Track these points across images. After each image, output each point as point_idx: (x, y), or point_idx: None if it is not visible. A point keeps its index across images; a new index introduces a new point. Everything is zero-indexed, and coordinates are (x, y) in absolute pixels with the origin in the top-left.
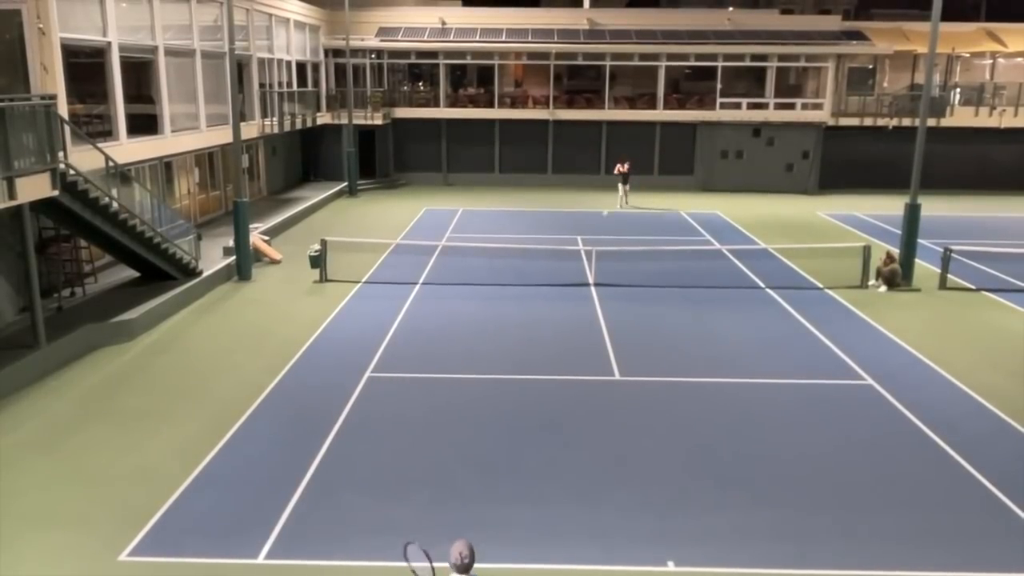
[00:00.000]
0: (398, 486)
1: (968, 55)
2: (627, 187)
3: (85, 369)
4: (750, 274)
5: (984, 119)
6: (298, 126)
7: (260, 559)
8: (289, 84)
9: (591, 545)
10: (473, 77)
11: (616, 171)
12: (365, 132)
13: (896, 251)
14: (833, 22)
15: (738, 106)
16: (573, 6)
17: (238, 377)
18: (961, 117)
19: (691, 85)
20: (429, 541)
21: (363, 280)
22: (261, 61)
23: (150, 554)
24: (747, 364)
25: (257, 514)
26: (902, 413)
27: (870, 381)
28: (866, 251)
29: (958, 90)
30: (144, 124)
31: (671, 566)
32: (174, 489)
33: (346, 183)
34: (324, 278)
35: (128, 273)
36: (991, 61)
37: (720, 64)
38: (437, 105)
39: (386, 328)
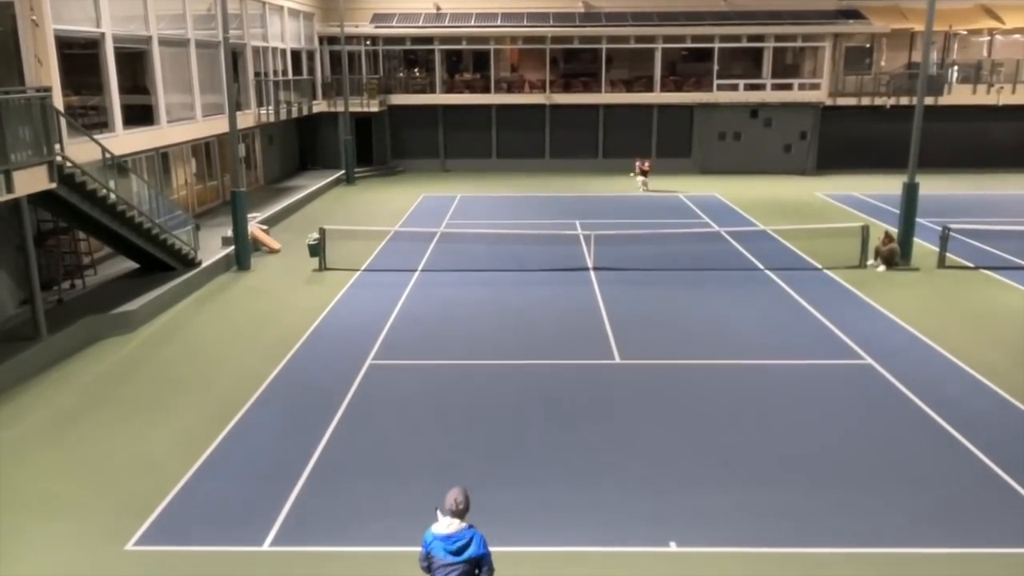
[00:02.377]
0: (401, 472)
1: (965, 32)
2: (646, 179)
3: (86, 361)
4: (749, 256)
5: (982, 97)
6: (294, 115)
7: (265, 546)
8: (284, 72)
9: (593, 527)
10: (469, 62)
11: (639, 170)
12: (361, 119)
13: (895, 230)
14: (830, 1)
15: (735, 87)
16: None
17: (239, 367)
18: (959, 95)
19: (688, 67)
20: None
21: (362, 268)
22: (256, 50)
23: (156, 543)
24: (746, 345)
25: (261, 502)
26: (901, 392)
27: (869, 361)
28: (864, 231)
29: (956, 68)
30: (140, 115)
31: (673, 546)
32: (178, 479)
33: (343, 171)
34: (323, 266)
35: (127, 265)
36: (989, 38)
37: (717, 45)
38: (433, 91)
39: (386, 315)
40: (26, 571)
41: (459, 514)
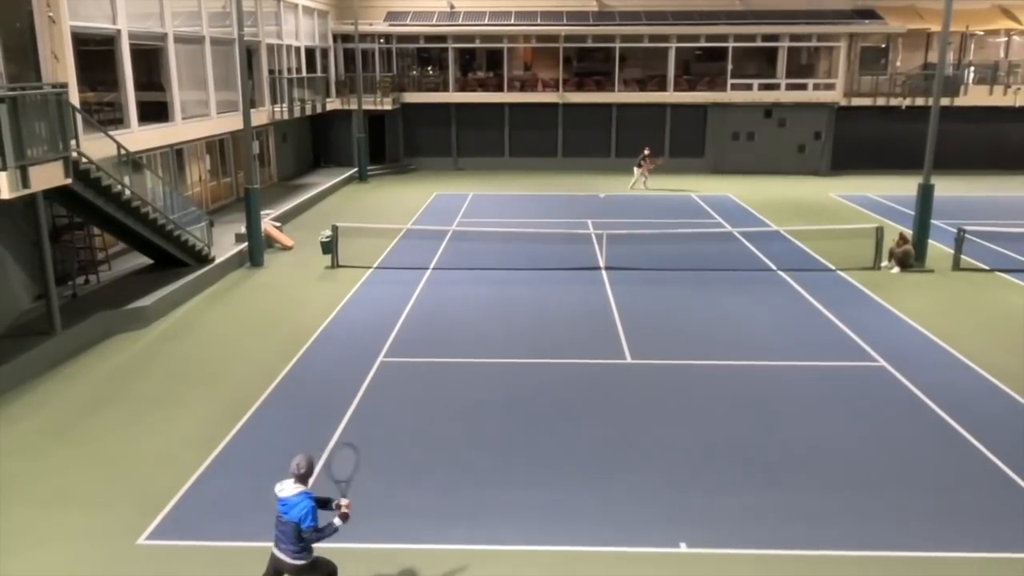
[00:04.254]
0: (411, 470)
1: (982, 33)
2: (644, 172)
3: (100, 355)
4: (762, 256)
5: (998, 98)
6: (308, 112)
7: None
8: (298, 70)
9: (603, 527)
10: (482, 61)
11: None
12: (375, 117)
13: (909, 232)
14: (845, 1)
15: (749, 87)
16: None
17: (252, 363)
18: (975, 96)
19: (702, 66)
20: (443, 524)
21: (375, 265)
22: (270, 47)
23: (168, 538)
24: (759, 346)
25: (273, 498)
26: (915, 394)
27: (883, 363)
28: (879, 232)
29: (972, 68)
30: (155, 111)
31: (683, 547)
32: (190, 474)
33: (356, 169)
34: (336, 264)
35: (141, 260)
36: (1005, 39)
37: (731, 45)
38: (446, 89)
39: (398, 313)
40: (39, 565)
41: (302, 478)
